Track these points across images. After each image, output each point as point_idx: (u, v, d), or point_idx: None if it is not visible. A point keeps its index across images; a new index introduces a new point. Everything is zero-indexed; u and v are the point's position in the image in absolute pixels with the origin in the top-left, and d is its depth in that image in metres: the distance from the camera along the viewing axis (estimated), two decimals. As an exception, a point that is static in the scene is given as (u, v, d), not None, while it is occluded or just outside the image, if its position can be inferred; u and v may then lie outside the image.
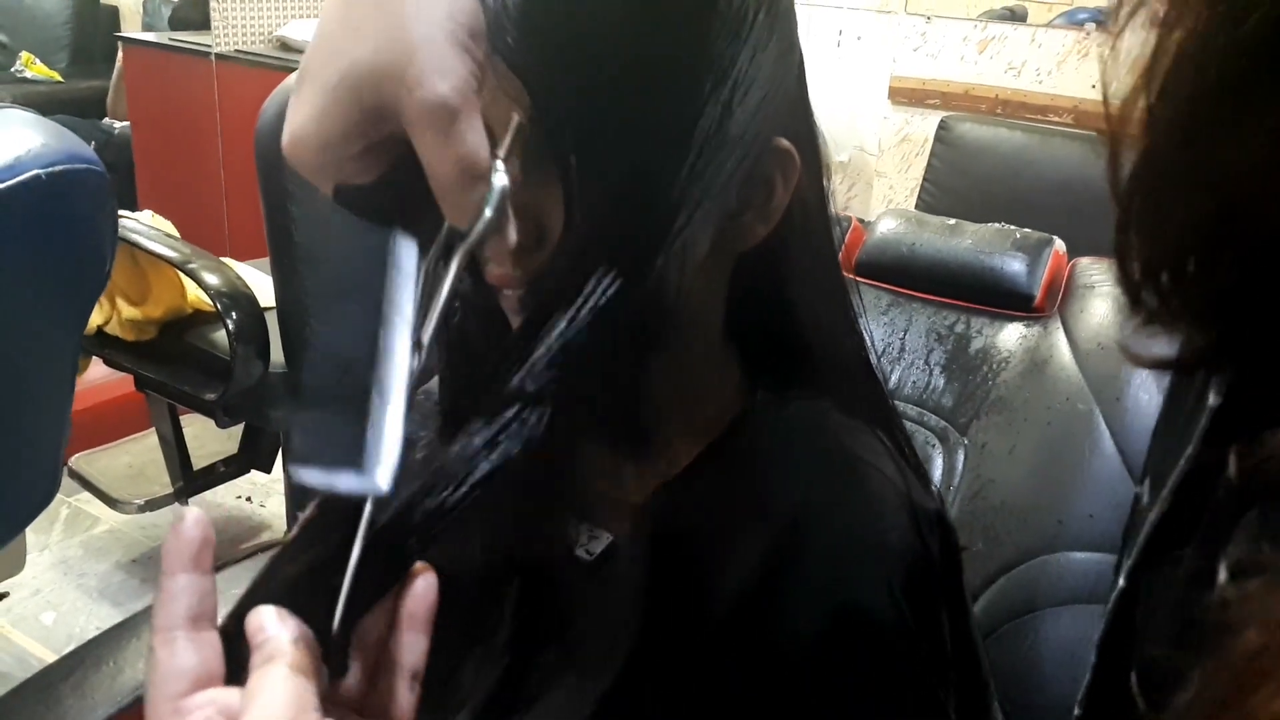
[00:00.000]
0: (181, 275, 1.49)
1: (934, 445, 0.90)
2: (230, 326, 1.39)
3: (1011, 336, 0.91)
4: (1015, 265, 0.92)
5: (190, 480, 1.84)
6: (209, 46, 2.61)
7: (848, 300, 0.58)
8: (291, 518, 1.87)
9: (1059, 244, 0.95)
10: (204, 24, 2.69)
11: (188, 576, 0.36)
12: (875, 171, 2.74)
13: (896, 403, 0.71)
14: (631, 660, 0.53)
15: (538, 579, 0.59)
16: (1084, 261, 0.95)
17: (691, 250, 0.46)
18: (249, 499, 2.24)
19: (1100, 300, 0.90)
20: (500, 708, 0.57)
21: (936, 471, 0.88)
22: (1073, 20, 2.42)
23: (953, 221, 0.99)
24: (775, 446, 0.55)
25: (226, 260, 1.58)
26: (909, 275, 0.97)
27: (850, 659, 0.49)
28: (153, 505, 1.90)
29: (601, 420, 0.52)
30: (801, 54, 0.53)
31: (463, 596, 0.58)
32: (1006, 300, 0.92)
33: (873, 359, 0.60)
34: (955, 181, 2.34)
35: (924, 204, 2.38)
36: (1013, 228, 0.97)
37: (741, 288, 0.55)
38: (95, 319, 1.54)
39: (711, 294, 0.55)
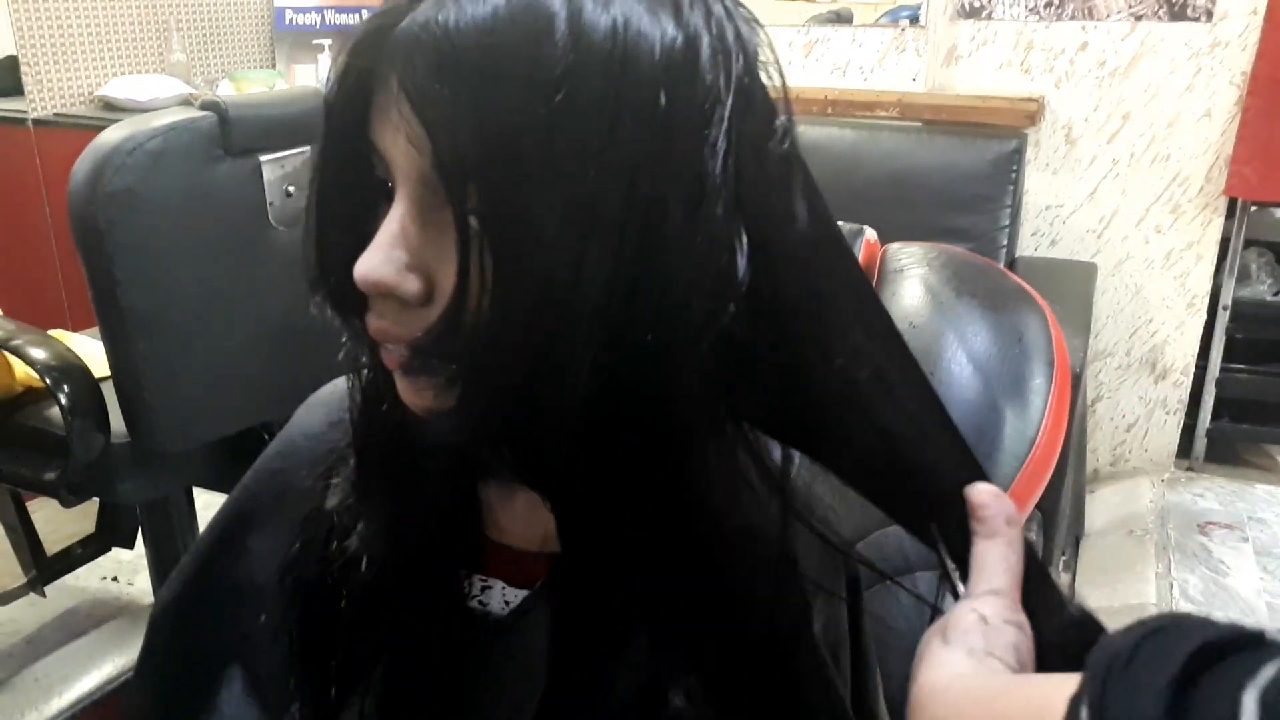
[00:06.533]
0: (6, 354, 1.42)
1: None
2: (63, 401, 1.32)
3: (832, 325, 0.95)
4: (830, 257, 0.97)
5: (45, 568, 1.74)
6: (24, 112, 2.49)
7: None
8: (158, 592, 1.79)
9: (870, 233, 1.00)
10: (17, 89, 2.56)
11: None
12: (722, 179, 2.81)
13: None
14: None
15: (420, 636, 0.53)
16: (894, 247, 1.00)
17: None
18: (115, 578, 2.14)
19: (910, 282, 0.95)
20: None
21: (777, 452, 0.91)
22: (895, 18, 2.54)
23: (770, 221, 1.02)
24: None
25: (56, 332, 1.51)
26: (734, 277, 1.00)
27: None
28: (5, 599, 1.79)
29: (512, 466, 0.51)
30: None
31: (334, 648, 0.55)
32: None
33: None
34: (796, 181, 2.42)
35: (769, 206, 2.45)
36: (826, 222, 1.01)
37: None
38: (-84, 410, 1.45)
39: None
